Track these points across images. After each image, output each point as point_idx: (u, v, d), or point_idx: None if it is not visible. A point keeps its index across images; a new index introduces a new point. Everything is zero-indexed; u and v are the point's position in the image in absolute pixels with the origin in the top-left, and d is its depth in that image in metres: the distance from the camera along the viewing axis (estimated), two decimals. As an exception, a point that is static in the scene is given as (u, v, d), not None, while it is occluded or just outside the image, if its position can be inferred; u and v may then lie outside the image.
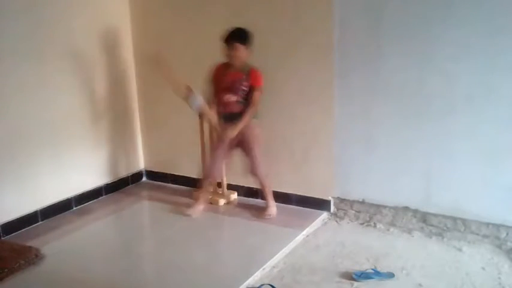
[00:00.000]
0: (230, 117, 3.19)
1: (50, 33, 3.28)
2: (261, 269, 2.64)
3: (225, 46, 3.09)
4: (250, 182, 3.63)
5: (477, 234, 2.91)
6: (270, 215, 3.29)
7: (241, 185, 3.68)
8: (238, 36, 3.07)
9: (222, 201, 3.57)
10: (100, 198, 3.75)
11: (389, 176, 3.12)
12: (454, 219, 2.97)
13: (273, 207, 3.34)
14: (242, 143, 3.27)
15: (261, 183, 3.35)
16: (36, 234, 3.14)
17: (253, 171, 3.30)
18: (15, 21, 3.06)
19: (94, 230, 3.23)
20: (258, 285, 2.49)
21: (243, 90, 3.15)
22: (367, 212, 3.25)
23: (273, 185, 3.44)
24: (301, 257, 2.82)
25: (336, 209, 3.36)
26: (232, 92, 3.15)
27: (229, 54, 3.10)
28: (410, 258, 2.76)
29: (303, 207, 3.42)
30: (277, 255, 2.78)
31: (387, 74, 3.01)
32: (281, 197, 3.51)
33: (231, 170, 3.59)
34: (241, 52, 3.08)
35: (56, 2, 3.30)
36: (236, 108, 3.17)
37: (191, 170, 3.79)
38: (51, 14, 3.28)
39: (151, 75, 3.89)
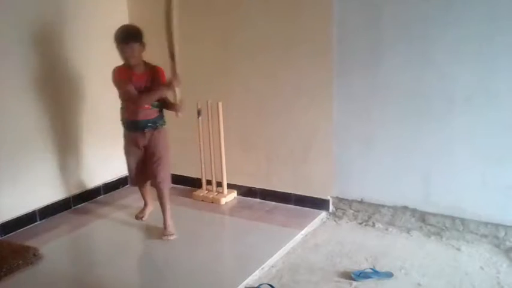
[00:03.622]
0: (146, 125, 2.97)
1: (48, 34, 3.29)
2: (260, 269, 2.64)
3: (121, 47, 2.84)
4: (250, 182, 3.64)
5: (476, 233, 2.91)
6: (172, 234, 2.97)
7: (241, 184, 3.68)
8: (134, 36, 2.85)
9: (223, 201, 3.57)
10: (98, 197, 3.75)
11: (388, 176, 3.12)
12: (453, 218, 2.97)
13: (172, 226, 3.03)
14: (149, 149, 3.03)
15: (164, 199, 3.04)
16: (35, 234, 3.13)
17: (159, 183, 3.01)
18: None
19: (92, 230, 3.23)
20: (256, 285, 2.49)
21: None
22: (366, 212, 3.25)
23: (273, 184, 3.43)
24: (300, 257, 2.82)
25: (334, 209, 3.36)
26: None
27: (127, 55, 2.84)
28: (409, 257, 2.76)
29: (302, 206, 3.42)
30: (275, 255, 2.78)
31: (386, 74, 3.00)
32: (280, 197, 3.51)
33: (230, 169, 3.60)
34: (139, 51, 2.87)
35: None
36: (152, 114, 2.98)
37: (190, 170, 3.79)
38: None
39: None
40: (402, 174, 3.08)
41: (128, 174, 3.28)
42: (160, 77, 2.95)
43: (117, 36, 2.84)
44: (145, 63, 2.95)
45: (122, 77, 2.91)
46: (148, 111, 2.96)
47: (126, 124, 3.07)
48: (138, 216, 3.30)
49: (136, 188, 3.32)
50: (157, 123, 3.01)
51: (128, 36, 2.84)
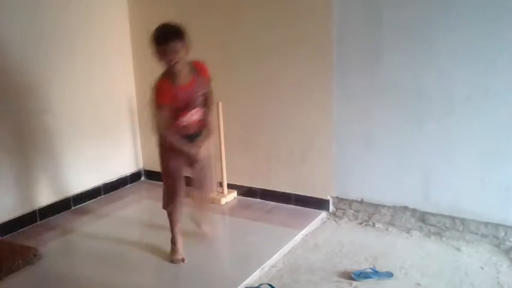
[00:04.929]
0: (195, 136, 2.62)
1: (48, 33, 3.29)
2: (260, 269, 2.64)
3: (161, 49, 2.38)
4: (250, 182, 3.63)
5: (476, 233, 2.92)
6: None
7: (241, 184, 3.68)
8: (175, 33, 2.39)
9: (223, 201, 3.57)
10: (99, 197, 3.75)
11: (388, 176, 3.12)
12: (453, 218, 2.97)
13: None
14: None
15: (205, 209, 2.95)
16: (35, 234, 3.13)
17: (208, 195, 2.91)
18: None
19: (92, 230, 3.23)
20: (256, 285, 2.49)
21: (201, 96, 2.57)
22: (366, 212, 3.25)
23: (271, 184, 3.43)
24: (300, 257, 2.82)
25: (334, 209, 3.36)
26: (193, 108, 2.53)
27: (169, 58, 2.38)
28: (409, 257, 2.76)
29: (302, 206, 3.42)
30: (276, 255, 2.78)
31: (386, 75, 3.00)
32: (280, 197, 3.51)
33: (231, 170, 3.59)
34: (183, 52, 2.41)
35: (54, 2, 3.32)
36: (201, 123, 2.61)
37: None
38: (48, 13, 3.28)
39: (150, 75, 3.89)
40: (402, 174, 3.08)
41: (168, 194, 2.79)
42: (204, 75, 2.59)
43: (154, 37, 2.40)
44: (189, 64, 2.51)
45: (162, 100, 2.44)
46: (198, 124, 2.61)
47: None
48: (178, 259, 2.74)
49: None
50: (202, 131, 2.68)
51: (167, 34, 2.37)
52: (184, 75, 2.48)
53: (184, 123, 2.53)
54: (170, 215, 2.79)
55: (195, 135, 2.61)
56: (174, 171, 2.68)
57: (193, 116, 2.55)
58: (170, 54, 2.37)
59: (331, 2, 3.05)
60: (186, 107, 2.50)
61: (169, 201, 2.73)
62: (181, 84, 2.47)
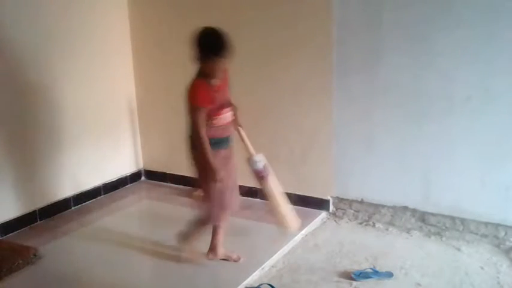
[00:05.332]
0: (229, 140, 2.58)
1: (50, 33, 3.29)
2: (260, 269, 2.64)
3: (214, 59, 2.32)
4: (250, 182, 3.62)
5: (476, 233, 2.92)
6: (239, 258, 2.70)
7: (241, 184, 3.67)
8: (228, 48, 2.32)
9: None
10: (99, 197, 3.75)
11: (388, 176, 3.13)
12: (453, 218, 2.97)
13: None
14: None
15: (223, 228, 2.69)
16: (35, 234, 3.13)
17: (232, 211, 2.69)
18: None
19: (92, 230, 3.23)
20: (256, 285, 2.49)
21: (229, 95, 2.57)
22: (366, 212, 3.25)
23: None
24: (300, 257, 2.82)
25: (334, 209, 3.36)
26: (226, 107, 2.50)
27: (215, 69, 2.36)
28: (409, 257, 2.76)
29: (302, 206, 3.40)
30: (276, 255, 2.78)
31: (386, 75, 3.01)
32: (280, 197, 3.51)
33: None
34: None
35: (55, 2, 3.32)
36: (231, 124, 2.59)
37: (190, 170, 3.78)
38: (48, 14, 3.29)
39: (150, 75, 3.89)
40: (402, 174, 3.08)
41: (214, 209, 2.62)
42: (227, 74, 2.53)
43: (209, 44, 2.32)
44: None
45: (201, 103, 2.37)
46: (230, 125, 2.57)
47: (215, 142, 2.49)
48: (232, 258, 2.71)
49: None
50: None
51: (226, 49, 2.30)
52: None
53: (220, 124, 2.49)
54: (217, 226, 2.66)
55: (228, 138, 2.58)
56: (225, 180, 2.54)
57: (227, 115, 2.52)
58: (218, 66, 2.35)
59: (332, 3, 3.06)
60: (221, 107, 2.47)
61: (221, 216, 2.60)
62: (215, 85, 2.43)
